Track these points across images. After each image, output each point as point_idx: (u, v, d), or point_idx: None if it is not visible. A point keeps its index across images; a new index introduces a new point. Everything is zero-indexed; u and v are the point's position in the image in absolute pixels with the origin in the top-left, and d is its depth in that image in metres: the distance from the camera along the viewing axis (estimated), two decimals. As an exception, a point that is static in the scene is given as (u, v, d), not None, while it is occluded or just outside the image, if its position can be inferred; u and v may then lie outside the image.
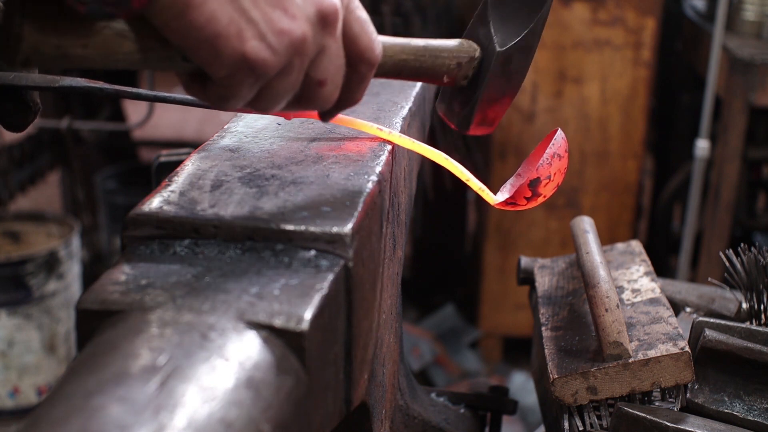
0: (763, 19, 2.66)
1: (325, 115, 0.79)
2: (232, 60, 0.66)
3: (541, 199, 0.92)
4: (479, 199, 3.25)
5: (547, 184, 0.90)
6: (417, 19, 2.80)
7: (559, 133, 0.93)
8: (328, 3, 0.69)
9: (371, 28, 0.74)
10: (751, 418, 0.96)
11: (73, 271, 2.78)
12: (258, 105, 0.71)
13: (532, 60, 0.90)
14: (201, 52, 0.66)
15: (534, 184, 0.90)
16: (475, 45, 0.88)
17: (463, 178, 0.95)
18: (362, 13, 0.74)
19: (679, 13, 3.11)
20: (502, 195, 0.94)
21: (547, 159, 0.90)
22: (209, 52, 0.65)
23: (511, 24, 0.88)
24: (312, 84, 0.72)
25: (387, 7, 2.71)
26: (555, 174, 0.91)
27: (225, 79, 0.67)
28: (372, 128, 0.92)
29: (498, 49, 0.87)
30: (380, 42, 0.76)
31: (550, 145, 0.91)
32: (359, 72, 0.75)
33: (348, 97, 0.77)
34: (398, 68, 0.82)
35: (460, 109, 0.90)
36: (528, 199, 0.91)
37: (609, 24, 2.80)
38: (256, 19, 0.66)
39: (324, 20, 0.69)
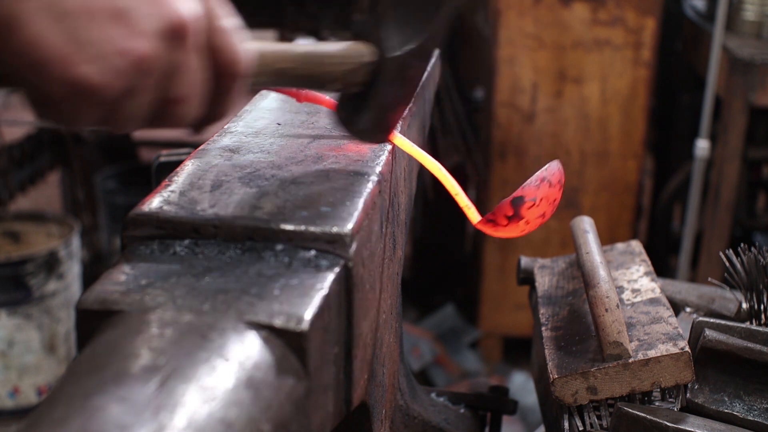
0: (763, 19, 2.66)
1: (194, 129, 0.73)
2: (61, 86, 0.60)
3: (523, 225, 0.85)
4: (479, 199, 3.25)
5: (531, 207, 0.84)
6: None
7: (555, 163, 0.89)
8: (177, 16, 0.63)
9: (237, 38, 0.68)
10: (751, 418, 0.96)
11: (73, 271, 2.78)
12: (109, 126, 0.65)
13: (428, 65, 0.84)
14: (28, 78, 0.60)
15: (517, 202, 0.84)
16: (368, 48, 0.81)
17: (452, 192, 0.90)
18: (227, 22, 0.67)
19: (679, 13, 3.11)
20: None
21: (536, 180, 0.85)
22: (36, 77, 0.60)
23: (408, 25, 0.82)
24: (168, 102, 0.66)
25: (387, 7, 2.70)
26: (542, 200, 0.85)
27: (60, 105, 0.61)
28: None
29: (393, 53, 0.81)
30: (249, 52, 0.70)
31: (543, 169, 0.87)
32: (224, 86, 0.69)
33: (215, 112, 0.70)
34: (279, 77, 0.77)
35: (356, 117, 0.84)
36: (509, 219, 0.85)
37: (609, 24, 2.80)
38: (89, 40, 0.59)
39: (174, 35, 0.63)
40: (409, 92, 0.86)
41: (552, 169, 0.88)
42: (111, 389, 0.52)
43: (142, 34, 0.61)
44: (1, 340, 2.64)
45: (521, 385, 2.86)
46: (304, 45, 0.79)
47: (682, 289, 1.25)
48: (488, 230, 0.88)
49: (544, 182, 0.86)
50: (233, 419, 0.54)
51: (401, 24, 0.82)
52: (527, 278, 1.29)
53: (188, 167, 0.83)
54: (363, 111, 0.83)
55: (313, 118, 0.98)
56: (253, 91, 0.97)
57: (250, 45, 0.72)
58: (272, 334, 0.61)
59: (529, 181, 0.85)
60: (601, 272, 1.05)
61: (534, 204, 0.85)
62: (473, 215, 0.89)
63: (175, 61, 0.64)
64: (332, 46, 0.80)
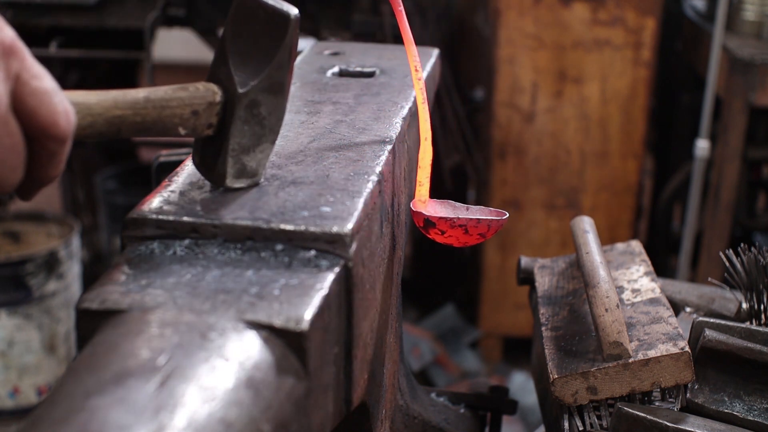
0: (763, 19, 2.66)
1: (19, 195, 0.69)
2: None
3: (429, 235, 0.92)
4: (479, 199, 3.25)
5: (437, 234, 0.91)
6: (417, 19, 2.80)
7: (494, 220, 0.90)
8: None
9: (55, 97, 0.63)
10: (751, 418, 0.96)
11: (73, 271, 2.78)
12: None
13: (286, 98, 0.79)
14: None
15: (428, 223, 0.90)
16: (215, 88, 0.77)
17: (420, 162, 0.94)
18: (40, 83, 0.63)
19: (679, 13, 3.11)
20: (427, 205, 0.94)
21: (455, 222, 0.90)
22: None
23: (253, 59, 0.77)
24: None
25: (387, 7, 2.71)
26: (448, 237, 0.91)
27: None
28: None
29: (240, 90, 0.76)
30: (71, 111, 0.64)
31: (479, 216, 0.91)
32: (48, 149, 0.64)
33: (42, 175, 0.66)
34: (114, 126, 0.71)
35: (212, 162, 0.78)
36: (421, 226, 0.92)
37: (609, 24, 2.80)
38: None
39: None
40: (271, 130, 0.79)
41: (485, 222, 0.90)
42: (111, 389, 0.52)
43: None
44: (1, 340, 2.64)
45: (521, 385, 2.86)
46: (144, 89, 0.73)
47: (682, 289, 1.25)
48: (414, 216, 0.93)
49: (460, 228, 0.90)
50: (233, 419, 0.54)
51: (246, 57, 0.77)
52: (527, 278, 1.29)
53: (188, 167, 0.83)
54: (218, 155, 0.78)
55: (313, 118, 0.98)
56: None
57: (75, 97, 0.68)
58: (272, 334, 0.61)
59: (454, 217, 0.90)
60: (601, 272, 1.05)
61: (440, 234, 0.91)
62: (420, 193, 0.94)
63: None
64: (174, 89, 0.75)
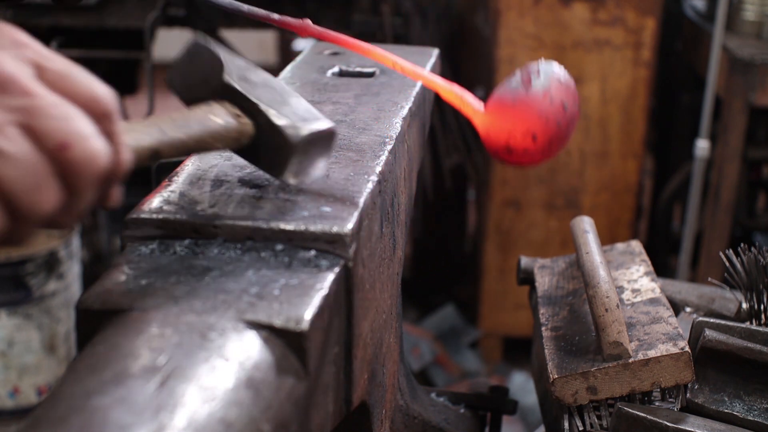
0: (763, 19, 2.66)
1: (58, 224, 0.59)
2: None
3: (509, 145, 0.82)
4: (479, 199, 3.25)
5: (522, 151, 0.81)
6: (417, 19, 2.80)
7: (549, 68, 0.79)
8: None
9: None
10: (751, 418, 0.96)
11: (73, 271, 2.78)
12: None
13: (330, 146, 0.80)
14: None
15: (507, 150, 0.83)
16: (248, 123, 0.75)
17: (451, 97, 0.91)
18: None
19: (679, 13, 3.11)
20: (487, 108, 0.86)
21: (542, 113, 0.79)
22: None
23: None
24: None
25: (387, 7, 2.71)
26: (539, 136, 0.78)
27: None
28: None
29: (293, 141, 0.75)
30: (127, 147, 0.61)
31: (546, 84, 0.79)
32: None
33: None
34: (152, 160, 0.70)
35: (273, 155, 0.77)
36: (504, 152, 0.83)
37: (609, 24, 2.80)
38: None
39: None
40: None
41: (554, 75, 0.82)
42: (111, 389, 0.52)
43: None
44: (1, 340, 2.64)
45: (521, 385, 2.86)
46: (178, 126, 0.70)
47: (682, 289, 1.25)
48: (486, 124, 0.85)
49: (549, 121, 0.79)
50: (233, 419, 0.54)
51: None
52: (527, 278, 1.29)
53: (188, 167, 0.83)
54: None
55: (313, 118, 0.98)
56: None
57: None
58: (272, 334, 0.61)
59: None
60: (601, 272, 1.05)
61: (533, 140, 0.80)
62: (473, 109, 0.89)
63: None
64: (208, 124, 0.72)
